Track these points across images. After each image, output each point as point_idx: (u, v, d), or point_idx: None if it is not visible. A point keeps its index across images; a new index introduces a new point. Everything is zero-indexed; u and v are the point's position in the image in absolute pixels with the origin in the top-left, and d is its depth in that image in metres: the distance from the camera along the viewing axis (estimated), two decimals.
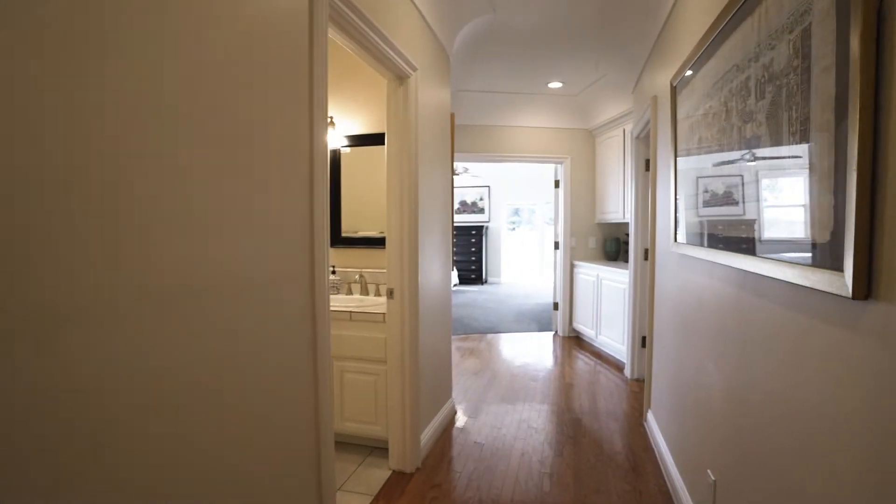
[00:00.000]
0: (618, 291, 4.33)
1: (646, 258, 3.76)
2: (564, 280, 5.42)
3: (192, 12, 1.00)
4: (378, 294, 2.96)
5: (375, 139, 2.91)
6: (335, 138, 3.02)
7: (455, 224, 9.92)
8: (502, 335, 5.62)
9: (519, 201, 10.78)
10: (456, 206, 10.43)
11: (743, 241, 1.43)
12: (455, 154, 4.91)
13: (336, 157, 3.07)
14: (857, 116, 0.81)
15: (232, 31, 1.12)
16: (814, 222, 0.99)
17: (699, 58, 1.80)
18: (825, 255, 0.94)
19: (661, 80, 2.71)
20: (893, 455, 0.75)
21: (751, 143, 1.33)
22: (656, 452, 2.57)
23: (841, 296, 0.86)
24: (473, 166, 8.79)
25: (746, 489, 1.37)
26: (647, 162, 3.74)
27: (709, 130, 1.72)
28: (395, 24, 2.12)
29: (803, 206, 1.04)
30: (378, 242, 2.95)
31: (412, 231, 2.40)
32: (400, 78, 2.32)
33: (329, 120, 2.98)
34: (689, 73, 1.97)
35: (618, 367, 4.25)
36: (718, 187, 1.72)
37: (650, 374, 2.96)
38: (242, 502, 1.19)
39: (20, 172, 0.69)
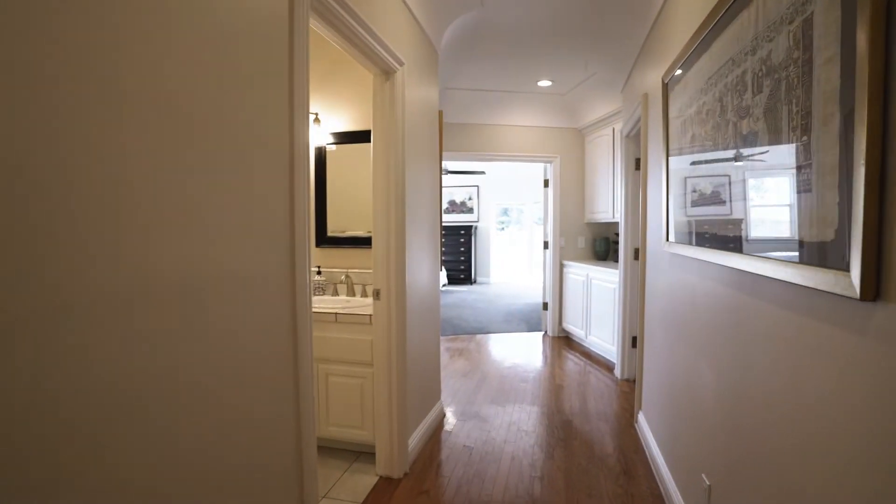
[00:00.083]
0: (607, 291, 4.31)
1: (636, 258, 3.74)
2: (554, 280, 5.39)
3: (163, 4, 0.94)
4: (365, 295, 2.89)
5: (362, 136, 2.84)
6: (320, 135, 2.95)
7: (444, 224, 9.87)
8: (492, 336, 5.58)
9: (508, 201, 10.76)
10: (445, 205, 10.38)
11: (738, 240, 1.39)
12: (444, 153, 4.85)
13: (322, 155, 3.00)
14: (866, 108, 0.77)
15: (204, 23, 1.05)
16: (816, 220, 0.95)
17: (692, 53, 1.77)
18: (828, 254, 0.90)
19: (651, 78, 2.68)
20: None
21: (747, 140, 1.30)
22: (648, 454, 2.54)
23: (847, 297, 0.82)
24: (462, 166, 8.74)
25: (743, 494, 1.33)
26: (637, 161, 3.72)
27: (702, 127, 1.69)
28: (381, 17, 2.06)
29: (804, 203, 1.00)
30: (366, 242, 2.88)
31: (399, 230, 2.34)
32: (386, 73, 2.25)
33: (314, 117, 2.90)
34: (681, 69, 1.93)
35: (608, 367, 4.23)
36: (709, 186, 1.69)
37: (641, 374, 2.93)
38: None
39: None
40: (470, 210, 10.48)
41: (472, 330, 5.85)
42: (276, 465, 1.36)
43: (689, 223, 2.03)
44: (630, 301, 3.81)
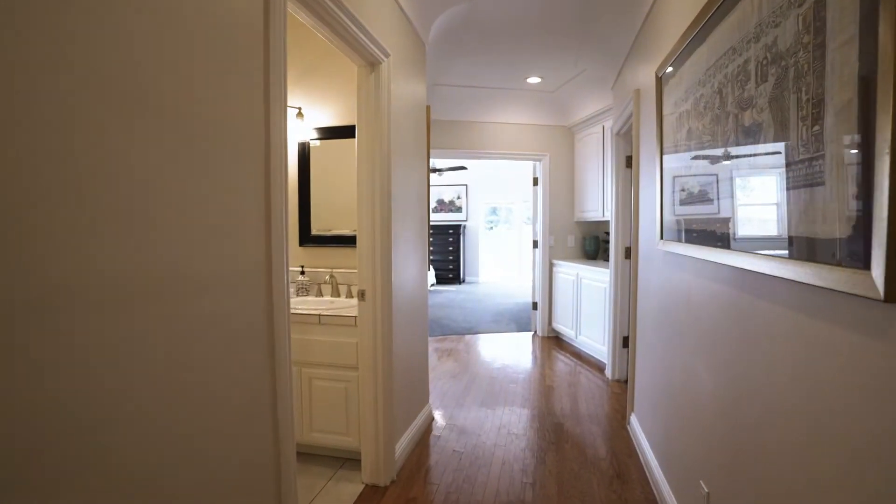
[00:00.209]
0: (598, 291, 4.26)
1: (626, 256, 3.70)
2: (543, 279, 5.33)
3: None
4: (350, 296, 2.80)
5: (348, 132, 2.75)
6: (304, 130, 2.84)
7: (432, 223, 9.78)
8: (481, 336, 5.51)
9: (496, 200, 10.71)
10: (433, 204, 10.30)
11: (742, 238, 1.34)
12: (431, 150, 4.77)
13: (305, 151, 2.89)
14: (891, 93, 0.71)
15: (168, 4, 0.96)
16: (828, 215, 0.88)
17: (688, 45, 1.71)
18: (843, 251, 0.84)
19: (644, 73, 2.63)
20: None
21: (749, 132, 1.23)
22: (641, 458, 2.48)
23: (868, 297, 0.76)
24: (447, 163, 8.66)
25: (745, 503, 1.27)
26: (628, 158, 3.67)
27: (700, 121, 1.62)
28: (365, 5, 1.97)
29: (813, 198, 0.94)
30: (352, 241, 2.78)
31: (385, 228, 2.25)
32: (371, 64, 2.16)
33: (297, 111, 2.80)
34: (676, 62, 1.87)
35: (598, 367, 4.18)
36: (702, 183, 1.63)
37: (633, 376, 2.88)
38: None
39: None
40: (458, 209, 10.41)
41: (460, 330, 5.78)
42: (252, 476, 1.27)
43: (679, 221, 1.98)
44: (621, 300, 3.77)
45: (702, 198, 1.75)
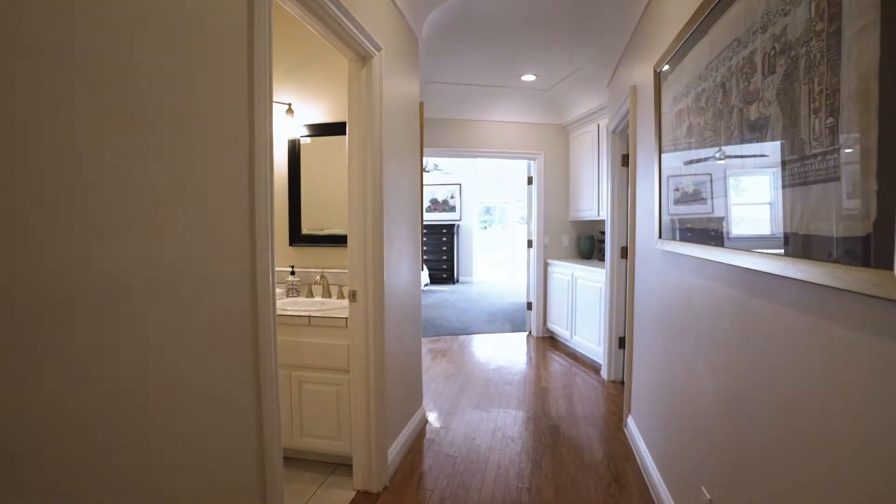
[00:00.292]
0: (593, 291, 4.22)
1: (622, 256, 3.66)
2: (538, 279, 5.29)
3: None
4: (342, 296, 2.73)
5: (340, 129, 2.68)
6: (294, 127, 2.77)
7: (426, 222, 9.73)
8: (475, 336, 5.46)
9: (491, 199, 10.67)
10: (426, 204, 10.24)
11: (743, 237, 1.29)
12: (425, 149, 4.71)
13: (296, 149, 2.82)
14: None
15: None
16: (844, 212, 0.84)
17: (689, 38, 1.66)
18: (862, 250, 0.79)
19: (641, 70, 2.58)
20: None
21: (755, 126, 1.18)
22: (639, 462, 2.44)
23: (893, 300, 0.71)
24: (444, 163, 8.60)
25: None
26: (624, 157, 3.63)
27: (701, 116, 1.58)
28: None
29: (829, 195, 0.89)
30: (345, 241, 2.71)
31: (377, 227, 2.19)
32: (363, 58, 2.10)
33: (287, 107, 2.73)
34: (675, 56, 1.83)
35: (594, 368, 4.14)
36: (704, 179, 1.58)
37: (630, 377, 2.84)
38: None
39: None
40: (452, 208, 10.35)
41: (454, 331, 5.72)
42: (235, 484, 1.21)
43: (674, 221, 1.93)
44: (617, 300, 3.73)
45: (695, 197, 1.71)
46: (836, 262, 0.85)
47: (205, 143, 1.07)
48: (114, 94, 0.84)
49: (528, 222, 5.49)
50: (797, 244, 1.00)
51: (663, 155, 2.06)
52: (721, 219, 1.45)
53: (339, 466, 2.38)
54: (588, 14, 3.10)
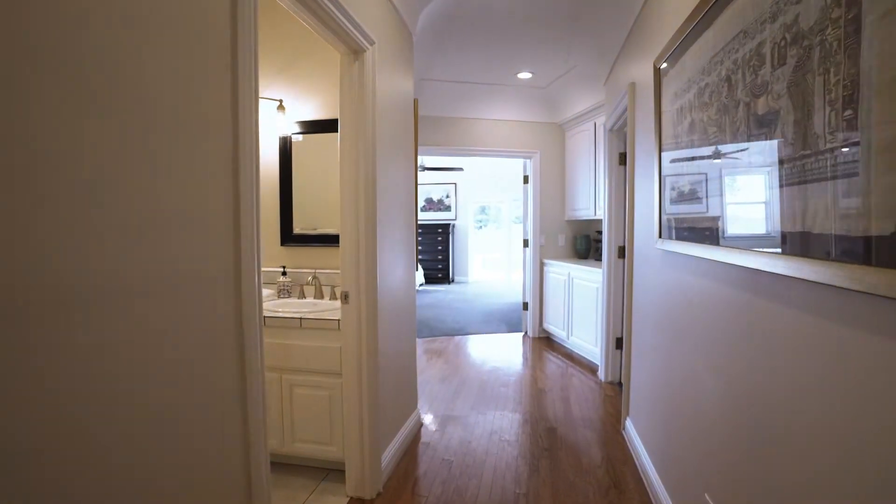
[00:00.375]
0: (590, 291, 4.18)
1: (620, 256, 3.61)
2: (534, 279, 5.24)
3: None
4: (335, 297, 2.67)
5: (333, 126, 2.62)
6: (285, 124, 2.71)
7: (420, 222, 9.66)
8: (471, 337, 5.40)
9: (486, 199, 10.62)
10: (421, 203, 10.17)
11: (749, 237, 1.24)
12: (420, 147, 4.65)
13: (287, 146, 2.76)
14: None
15: None
16: (863, 209, 0.79)
17: (691, 31, 1.61)
18: (884, 251, 0.74)
19: (639, 67, 2.53)
20: None
21: (764, 120, 1.13)
22: (638, 466, 2.39)
23: None
24: (439, 161, 8.54)
25: None
26: (622, 155, 3.58)
27: (704, 112, 1.53)
28: None
29: (845, 191, 0.84)
30: (338, 240, 2.65)
31: (370, 226, 2.13)
32: (355, 52, 2.04)
33: (278, 103, 2.67)
34: (676, 51, 1.78)
35: (591, 369, 4.10)
36: (703, 178, 1.53)
37: (628, 379, 2.79)
38: None
39: None
40: (447, 208, 10.30)
41: (450, 331, 5.67)
42: (218, 490, 1.15)
43: (670, 220, 1.89)
44: (614, 300, 3.68)
45: (691, 197, 1.67)
46: (852, 262, 0.80)
47: (180, 136, 1.01)
48: (74, 82, 0.78)
49: (524, 222, 5.44)
50: (799, 243, 0.95)
51: (663, 153, 2.01)
52: (716, 218, 1.41)
53: (332, 472, 2.32)
54: (585, 10, 3.05)
